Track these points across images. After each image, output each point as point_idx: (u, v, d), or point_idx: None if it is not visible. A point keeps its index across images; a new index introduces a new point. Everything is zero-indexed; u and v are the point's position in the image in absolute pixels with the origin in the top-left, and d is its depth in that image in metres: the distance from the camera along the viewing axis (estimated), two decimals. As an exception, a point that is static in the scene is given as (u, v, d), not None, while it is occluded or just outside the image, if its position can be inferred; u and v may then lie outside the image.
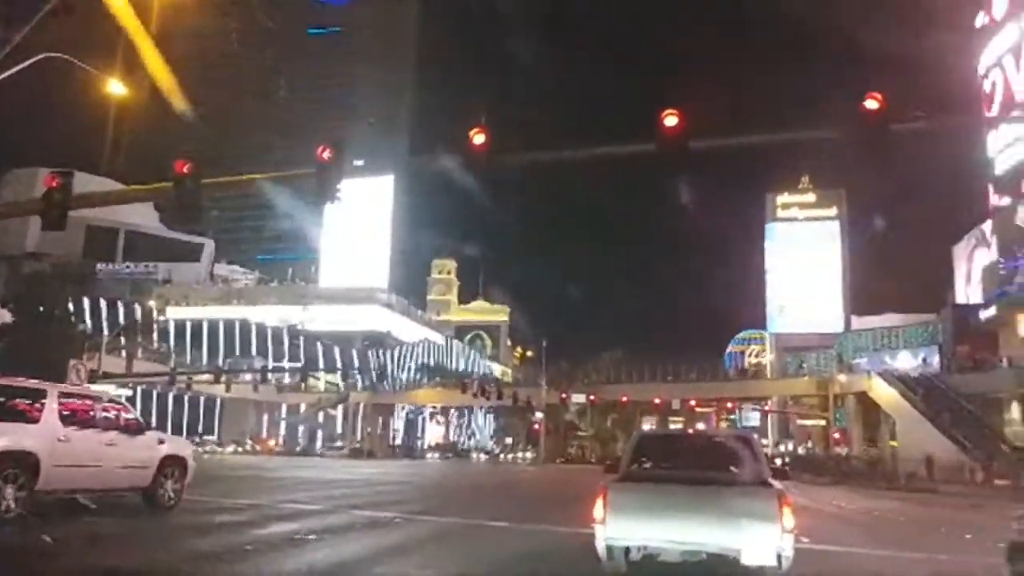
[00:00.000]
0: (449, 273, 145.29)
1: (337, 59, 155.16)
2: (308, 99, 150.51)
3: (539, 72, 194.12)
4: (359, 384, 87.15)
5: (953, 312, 64.03)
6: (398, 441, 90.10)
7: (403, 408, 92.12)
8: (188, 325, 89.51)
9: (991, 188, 56.91)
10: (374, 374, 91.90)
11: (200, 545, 9.61)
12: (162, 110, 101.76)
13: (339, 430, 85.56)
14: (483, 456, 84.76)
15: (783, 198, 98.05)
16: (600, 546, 7.46)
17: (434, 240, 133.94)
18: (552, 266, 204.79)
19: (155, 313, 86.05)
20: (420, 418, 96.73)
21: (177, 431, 45.64)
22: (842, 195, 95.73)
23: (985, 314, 57.02)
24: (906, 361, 63.20)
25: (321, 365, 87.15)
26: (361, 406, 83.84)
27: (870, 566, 10.45)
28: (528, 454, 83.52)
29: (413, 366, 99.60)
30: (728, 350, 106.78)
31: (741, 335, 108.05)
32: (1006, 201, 54.04)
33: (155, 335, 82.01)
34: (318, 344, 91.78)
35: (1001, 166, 54.57)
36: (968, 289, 64.77)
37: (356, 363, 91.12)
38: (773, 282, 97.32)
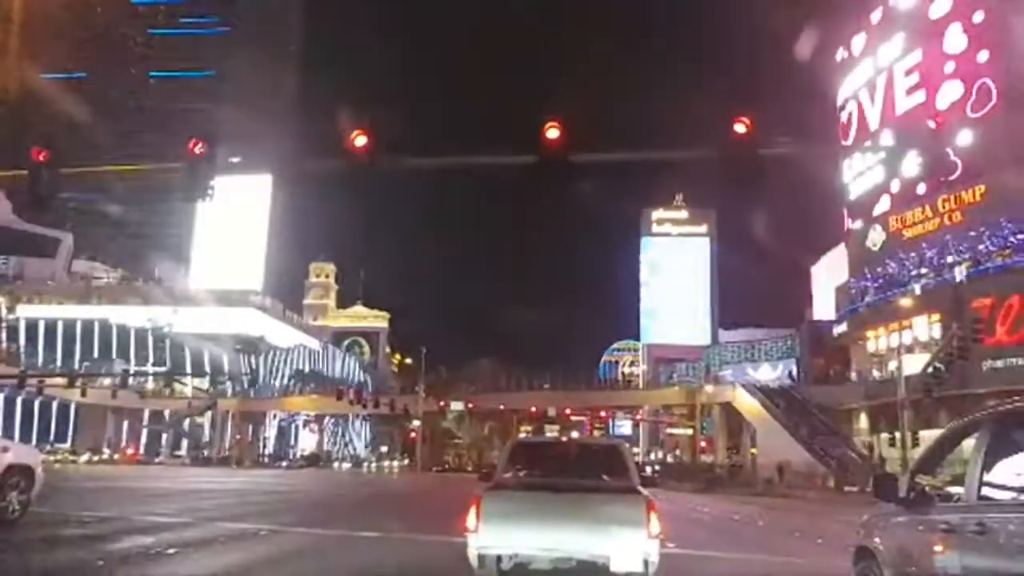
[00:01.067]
0: (328, 277, 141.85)
1: (218, 57, 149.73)
2: (186, 94, 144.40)
3: (426, 76, 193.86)
4: (229, 390, 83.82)
5: (809, 328, 68.16)
6: (269, 450, 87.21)
7: (275, 416, 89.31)
8: (41, 324, 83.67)
9: (846, 212, 60.81)
10: (245, 380, 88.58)
11: (45, 561, 8.87)
12: (26, 97, 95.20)
13: (206, 438, 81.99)
14: (357, 465, 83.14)
15: (658, 213, 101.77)
16: (472, 555, 7.43)
17: (313, 243, 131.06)
18: (434, 273, 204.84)
19: (3, 311, 79.98)
20: (293, 426, 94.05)
21: (26, 438, 42.47)
22: (712, 214, 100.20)
23: (838, 330, 60.87)
24: (767, 373, 66.68)
25: (188, 370, 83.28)
26: (230, 413, 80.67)
27: (730, 569, 10.81)
28: (404, 462, 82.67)
29: (287, 372, 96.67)
30: (603, 360, 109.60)
31: (615, 346, 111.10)
32: (859, 224, 57.86)
33: (3, 334, 76.19)
34: (186, 347, 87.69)
35: (855, 192, 58.46)
36: (824, 306, 68.94)
37: (226, 368, 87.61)
38: (646, 295, 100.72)
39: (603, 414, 79.33)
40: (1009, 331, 41.06)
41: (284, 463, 77.64)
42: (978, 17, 46.19)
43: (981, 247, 45.34)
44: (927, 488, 5.25)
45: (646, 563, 7.22)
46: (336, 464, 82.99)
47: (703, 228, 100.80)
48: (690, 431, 64.68)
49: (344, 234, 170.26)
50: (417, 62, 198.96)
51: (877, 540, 5.56)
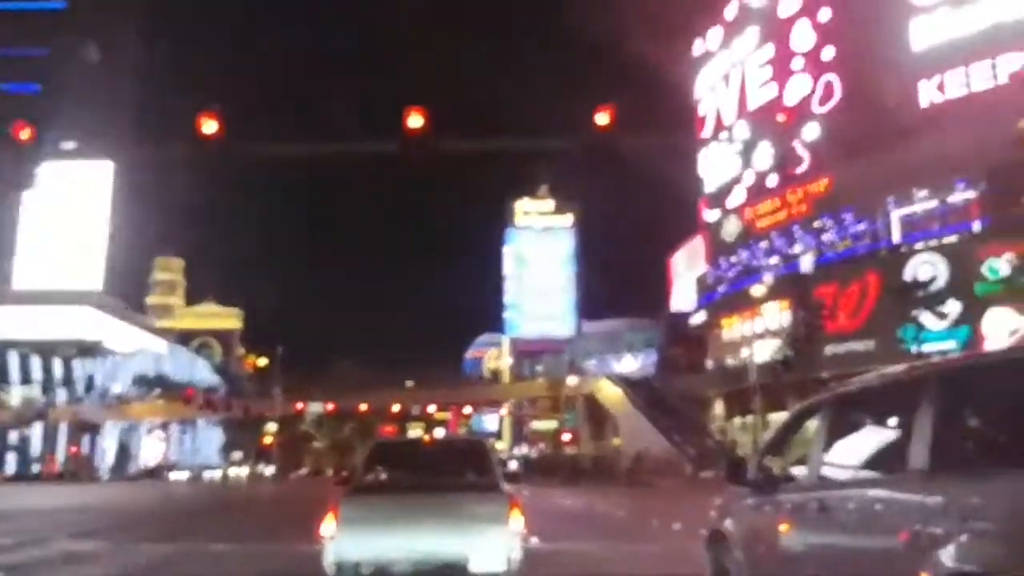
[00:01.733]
0: (175, 273, 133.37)
1: (51, 32, 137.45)
2: (12, 73, 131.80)
3: (286, 61, 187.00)
4: (61, 398, 77.18)
5: (668, 318, 70.08)
6: (109, 461, 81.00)
7: (115, 425, 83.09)
8: None
9: (703, 203, 62.69)
10: (81, 387, 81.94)
11: None
12: None
13: (36, 451, 75.16)
14: (208, 473, 78.41)
15: (523, 205, 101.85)
16: (328, 564, 7.16)
17: (161, 237, 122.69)
18: (291, 269, 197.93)
19: None
20: (136, 435, 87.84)
21: None
22: (577, 205, 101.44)
23: (695, 319, 62.79)
24: (630, 364, 67.88)
25: (16, 377, 76.25)
26: (64, 424, 74.30)
27: (591, 559, 10.99)
28: (260, 468, 78.64)
29: (129, 377, 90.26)
30: (467, 355, 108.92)
31: (480, 340, 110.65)
32: (715, 216, 59.76)
33: None
34: (12, 353, 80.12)
35: (711, 184, 60.29)
36: (683, 296, 70.98)
37: (60, 374, 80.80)
38: (511, 287, 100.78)
39: (468, 410, 78.72)
40: (850, 316, 43.20)
41: (127, 475, 72.30)
42: (824, 14, 48.39)
43: (825, 237, 47.61)
44: (774, 470, 5.42)
45: (508, 561, 7.19)
46: (184, 474, 77.97)
47: (568, 219, 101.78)
48: (554, 424, 65.01)
49: (194, 227, 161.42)
50: (277, 47, 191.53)
51: (728, 523, 5.67)
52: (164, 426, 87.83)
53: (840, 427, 4.70)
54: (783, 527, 4.86)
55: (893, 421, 4.43)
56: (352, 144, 14.38)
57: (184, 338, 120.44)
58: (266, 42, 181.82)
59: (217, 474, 75.91)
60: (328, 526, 7.18)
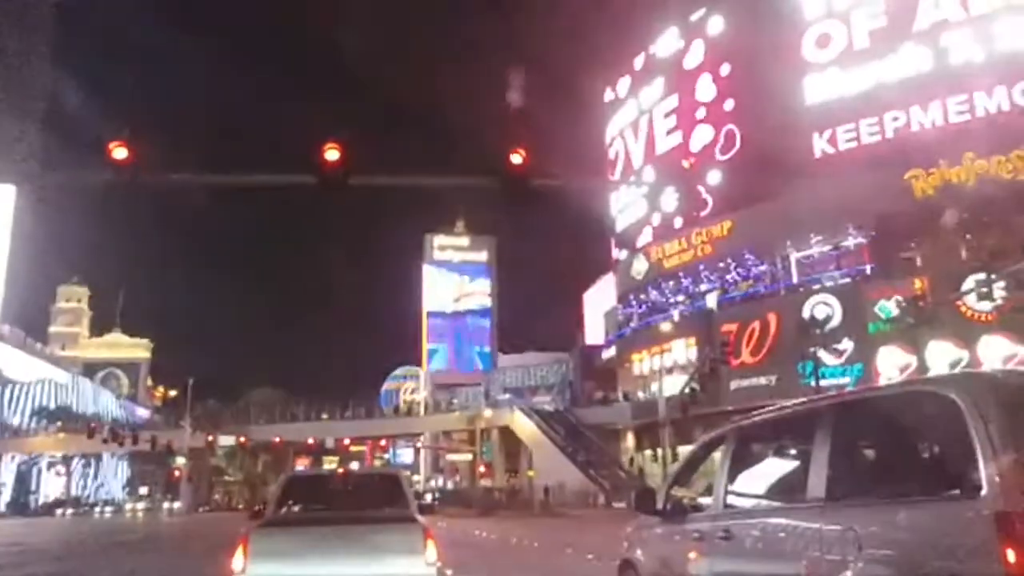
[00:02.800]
0: (80, 302, 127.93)
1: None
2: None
3: (204, 91, 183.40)
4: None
5: (581, 352, 71.84)
6: (6, 497, 77.03)
7: (13, 458, 79.17)
8: None
9: (613, 243, 64.88)
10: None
11: None
12: None
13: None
14: (113, 509, 75.53)
15: (440, 240, 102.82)
16: None
17: (66, 264, 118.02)
18: (203, 299, 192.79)
19: None
20: (35, 469, 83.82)
21: None
22: (492, 241, 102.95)
23: (607, 354, 64.60)
24: (544, 396, 69.01)
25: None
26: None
27: None
28: (168, 503, 76.12)
29: (29, 409, 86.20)
30: (384, 388, 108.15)
31: (397, 372, 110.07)
32: (624, 255, 61.94)
33: None
34: None
35: (621, 224, 62.58)
36: (595, 331, 72.87)
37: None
38: (428, 320, 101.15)
39: (384, 443, 78.40)
40: (753, 353, 45.42)
41: (25, 511, 68.90)
42: (725, 69, 51.33)
43: (728, 277, 50.11)
44: (682, 500, 5.58)
45: None
46: (88, 509, 74.83)
47: (483, 255, 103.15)
48: (470, 456, 65.37)
49: (101, 256, 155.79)
50: (195, 77, 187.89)
51: (639, 552, 5.82)
52: (66, 460, 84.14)
53: (744, 458, 4.93)
54: (691, 555, 4.99)
55: (793, 452, 4.65)
56: (268, 176, 14.25)
57: (89, 369, 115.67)
58: (182, 72, 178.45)
59: (131, 507, 73.15)
60: (238, 559, 7.05)
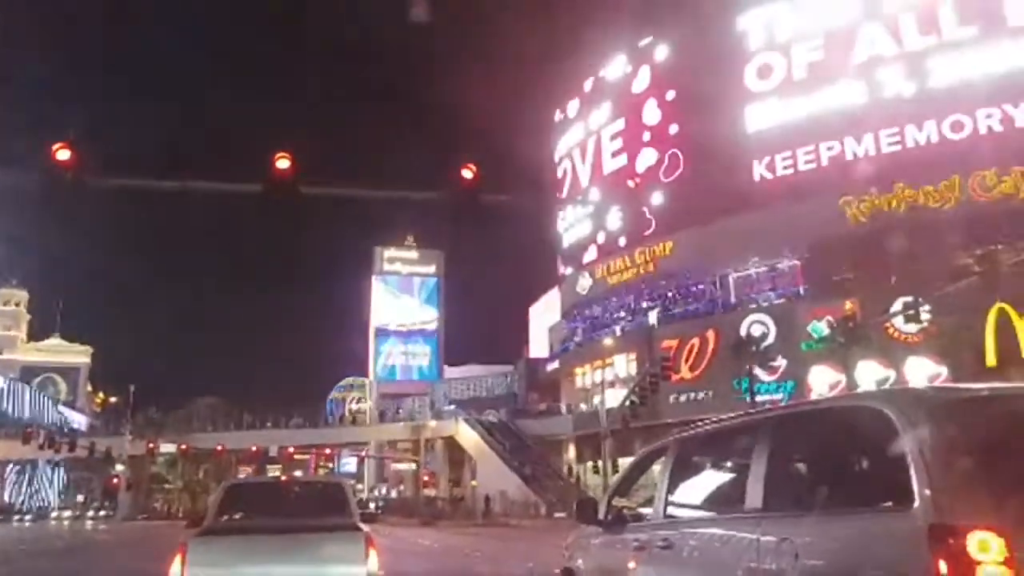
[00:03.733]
0: (18, 305, 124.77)
1: None
2: None
3: (152, 94, 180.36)
4: None
5: (526, 364, 72.77)
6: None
7: (-58, 464, 76.90)
8: None
9: (560, 259, 66.00)
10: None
11: None
12: None
13: None
14: (45, 517, 73.63)
15: (389, 252, 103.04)
16: None
17: (3, 266, 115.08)
18: (146, 305, 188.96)
19: None
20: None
21: None
22: (441, 255, 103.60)
23: (551, 367, 65.57)
24: (487, 407, 69.61)
25: None
26: None
27: None
28: (105, 512, 74.58)
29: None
30: (330, 397, 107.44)
31: (343, 382, 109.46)
32: (570, 271, 63.06)
33: None
34: None
35: (567, 241, 63.67)
36: (540, 344, 73.88)
37: None
38: (375, 331, 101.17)
39: (328, 452, 77.87)
40: (691, 368, 46.70)
41: None
42: (670, 95, 52.80)
43: (669, 295, 51.53)
44: (622, 510, 5.64)
45: None
46: (19, 517, 72.83)
47: (432, 268, 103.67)
48: (414, 466, 65.61)
49: (40, 259, 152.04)
50: (141, 80, 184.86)
51: (580, 561, 5.92)
52: (1, 466, 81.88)
53: (684, 469, 4.98)
54: (631, 564, 5.02)
55: (732, 464, 4.70)
56: (215, 183, 14.17)
57: (27, 373, 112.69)
58: (130, 75, 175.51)
59: (67, 515, 71.13)
60: (175, 568, 6.89)
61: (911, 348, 38.62)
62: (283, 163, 11.42)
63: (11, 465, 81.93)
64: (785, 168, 47.12)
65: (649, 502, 5.25)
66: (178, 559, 6.94)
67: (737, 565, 3.88)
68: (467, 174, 12.05)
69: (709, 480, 5.01)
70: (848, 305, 40.08)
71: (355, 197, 15.98)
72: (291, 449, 64.15)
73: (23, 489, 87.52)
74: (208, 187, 13.88)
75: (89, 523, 62.02)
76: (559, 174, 64.18)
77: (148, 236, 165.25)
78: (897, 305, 34.99)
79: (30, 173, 11.54)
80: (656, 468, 5.33)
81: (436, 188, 13.09)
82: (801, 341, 42.35)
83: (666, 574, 4.63)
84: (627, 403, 42.52)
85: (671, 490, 4.94)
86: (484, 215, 12.94)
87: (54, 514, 74.06)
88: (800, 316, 43.26)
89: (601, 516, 5.73)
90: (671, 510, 4.86)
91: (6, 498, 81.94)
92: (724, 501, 4.52)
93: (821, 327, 41.62)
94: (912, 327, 36.00)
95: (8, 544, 29.52)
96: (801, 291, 45.60)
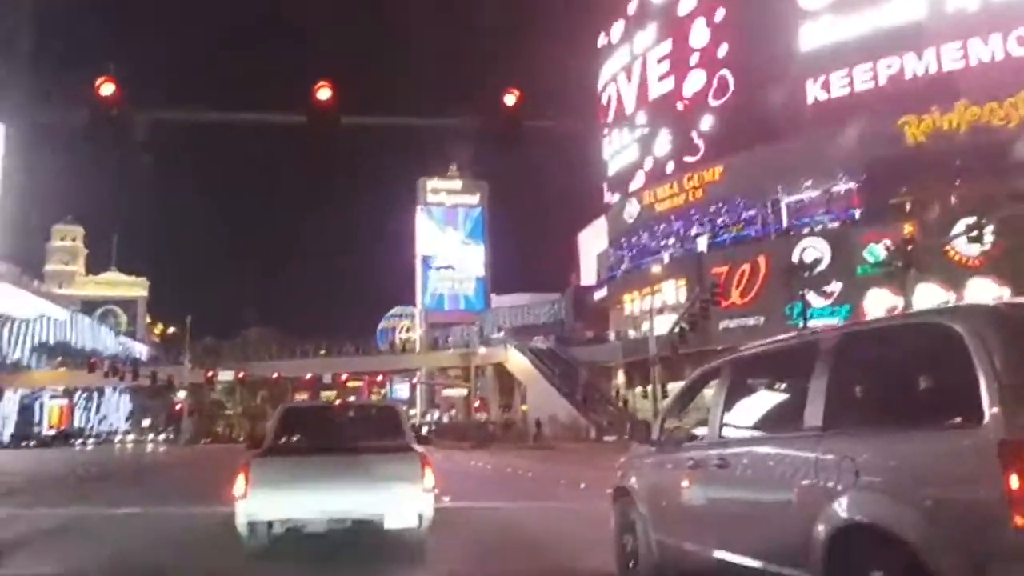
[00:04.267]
0: (75, 240, 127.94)
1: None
2: None
3: (190, 24, 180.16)
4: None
5: (574, 292, 72.86)
6: (10, 429, 78.69)
7: (15, 392, 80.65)
8: None
9: (606, 187, 65.25)
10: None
11: None
12: None
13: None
14: (114, 440, 77.08)
15: (433, 183, 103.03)
16: (241, 523, 7.23)
17: (59, 202, 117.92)
18: (201, 236, 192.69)
19: None
20: (38, 403, 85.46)
21: None
22: (485, 185, 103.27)
23: (599, 294, 65.59)
24: (536, 335, 70.18)
25: None
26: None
27: (504, 516, 11.30)
28: (169, 436, 77.77)
29: (28, 345, 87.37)
30: (380, 326, 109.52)
31: (393, 312, 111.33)
32: (617, 198, 62.39)
33: None
34: None
35: (613, 168, 62.87)
36: (588, 272, 73.76)
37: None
38: (423, 261, 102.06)
39: (380, 379, 79.75)
40: (742, 294, 46.32)
41: (29, 442, 70.35)
42: (719, 14, 50.97)
43: (719, 221, 50.74)
44: (675, 430, 5.70)
45: (420, 518, 7.40)
46: (90, 440, 76.45)
47: (476, 198, 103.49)
48: (465, 391, 66.76)
49: (95, 193, 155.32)
50: (185, 12, 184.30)
51: (633, 480, 5.94)
52: (69, 394, 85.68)
53: (740, 389, 4.94)
54: (685, 482, 5.08)
55: (789, 383, 4.65)
56: (259, 114, 13.47)
57: (87, 307, 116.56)
58: (172, 7, 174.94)
59: (132, 440, 74.41)
60: (239, 486, 7.16)
61: (973, 271, 37.66)
62: (324, 93, 11.24)
63: (79, 392, 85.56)
64: (841, 88, 45.56)
65: (701, 423, 5.26)
66: (241, 478, 7.22)
67: (794, 483, 3.90)
68: (510, 100, 11.70)
69: (765, 400, 4.97)
70: (907, 228, 38.95)
71: (397, 126, 15.78)
72: (344, 376, 65.73)
73: (92, 415, 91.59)
74: (251, 119, 13.90)
75: (149, 446, 64.26)
76: (603, 100, 62.98)
77: (200, 170, 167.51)
78: (959, 227, 34.01)
79: (76, 109, 11.50)
80: (711, 388, 5.31)
81: (478, 115, 12.77)
82: (857, 265, 41.50)
83: (722, 492, 4.65)
84: (676, 329, 42.42)
85: (726, 409, 4.90)
86: (527, 141, 12.62)
87: (117, 438, 77.24)
88: (856, 240, 42.31)
89: (655, 436, 5.79)
90: (727, 430, 4.84)
91: (76, 424, 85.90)
92: (781, 420, 4.47)
93: (878, 251, 40.54)
94: (974, 249, 35.03)
95: (65, 467, 29.36)
96: (857, 214, 44.48)
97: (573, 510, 12.05)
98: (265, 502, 7.24)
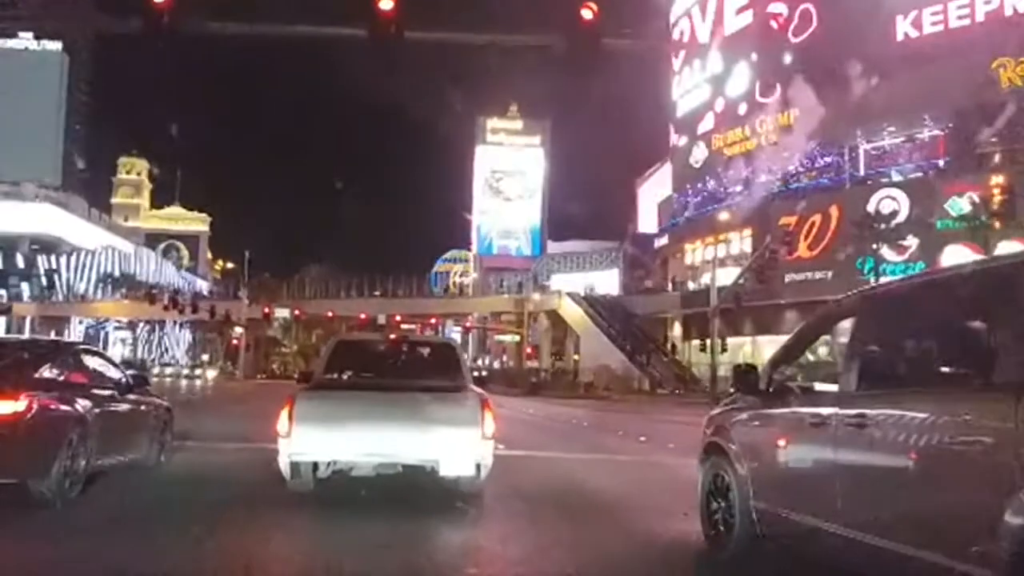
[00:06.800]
0: (139, 174, 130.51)
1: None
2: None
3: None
4: (25, 294, 76.49)
5: (633, 240, 71.21)
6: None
7: (81, 322, 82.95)
8: None
9: (672, 129, 62.88)
10: (43, 282, 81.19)
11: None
12: None
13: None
14: (174, 371, 78.47)
15: (493, 123, 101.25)
16: (283, 463, 6.61)
17: (123, 135, 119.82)
18: (260, 173, 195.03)
19: None
20: (103, 333, 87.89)
21: None
22: (547, 125, 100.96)
23: (659, 243, 63.88)
24: (592, 283, 68.99)
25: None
26: (28, 319, 73.96)
27: (562, 469, 10.37)
28: (228, 370, 78.97)
29: (94, 276, 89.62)
30: (434, 269, 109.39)
31: (447, 255, 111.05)
32: (684, 141, 60.10)
33: None
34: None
35: (682, 109, 60.47)
36: (648, 220, 71.88)
37: (21, 269, 79.91)
38: (479, 204, 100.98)
39: (433, 321, 79.66)
40: (810, 247, 44.29)
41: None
42: (803, -56, 47.92)
43: (791, 168, 48.33)
44: (787, 381, 4.87)
45: (479, 467, 6.70)
46: (151, 371, 78.12)
47: (536, 139, 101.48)
48: (517, 338, 66.24)
49: (158, 127, 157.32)
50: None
51: (729, 437, 5.14)
52: (131, 326, 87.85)
53: (886, 331, 4.10)
54: (803, 444, 4.34)
55: (966, 325, 3.64)
56: (316, 27, 12.91)
57: (150, 240, 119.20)
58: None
59: (192, 372, 75.35)
60: (283, 423, 6.53)
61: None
62: (387, 3, 10.63)
63: (142, 325, 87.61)
64: (934, 24, 42.59)
65: (813, 373, 4.66)
66: (285, 413, 6.55)
67: (971, 453, 3.03)
68: (587, 14, 10.89)
69: (926, 346, 3.91)
70: (995, 180, 36.44)
71: (463, 43, 14.62)
72: (398, 318, 65.53)
73: (154, 348, 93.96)
74: (307, 31, 13.38)
75: (198, 382, 64.15)
76: (675, 35, 60.15)
77: (260, 110, 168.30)
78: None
79: (128, 18, 11.38)
80: (840, 331, 4.52)
81: (551, 32, 11.88)
82: (937, 219, 39.19)
83: (857, 457, 3.78)
84: (741, 281, 40.89)
85: (867, 357, 4.01)
86: (603, 62, 11.94)
87: (206, 371, 77.42)
88: (938, 191, 39.99)
89: (762, 387, 4.88)
90: (866, 382, 3.91)
91: (139, 355, 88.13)
92: (953, 373, 3.57)
93: (961, 204, 38.26)
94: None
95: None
96: (941, 164, 41.81)
97: (636, 463, 11.40)
98: (309, 441, 6.57)
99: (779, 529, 4.52)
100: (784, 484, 4.52)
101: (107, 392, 7.45)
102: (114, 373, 8.04)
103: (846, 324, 4.37)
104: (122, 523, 6.00)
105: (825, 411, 4.10)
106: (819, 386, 4.63)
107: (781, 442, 4.56)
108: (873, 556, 3.57)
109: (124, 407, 7.78)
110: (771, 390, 4.86)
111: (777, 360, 5.06)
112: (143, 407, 8.36)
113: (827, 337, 5.22)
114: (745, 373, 5.14)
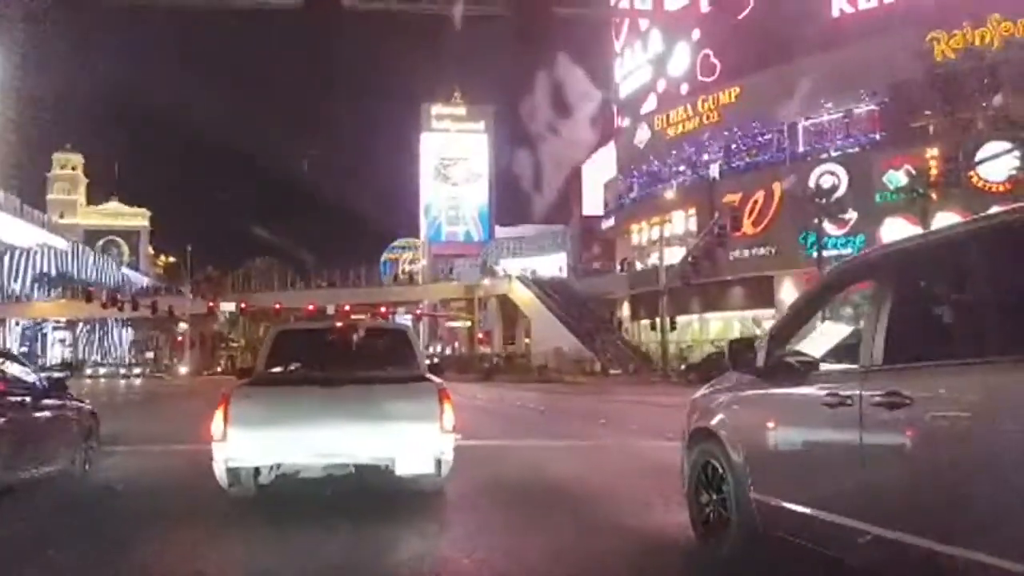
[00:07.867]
0: (75, 169, 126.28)
1: None
2: None
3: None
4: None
5: (580, 222, 71.43)
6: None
7: (17, 323, 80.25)
8: None
9: (616, 110, 63.05)
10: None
11: None
12: None
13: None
14: (115, 372, 76.47)
15: (437, 109, 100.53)
16: (219, 470, 5.97)
17: (58, 131, 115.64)
18: (200, 166, 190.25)
19: None
20: (40, 334, 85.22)
21: None
22: (490, 110, 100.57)
23: (605, 224, 64.14)
24: (541, 267, 69.16)
25: None
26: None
27: (523, 458, 9.72)
28: (174, 367, 77.34)
29: (30, 275, 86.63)
30: (383, 258, 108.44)
31: (396, 243, 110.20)
32: (627, 123, 60.31)
33: None
34: None
35: (625, 91, 60.63)
36: (593, 202, 72.09)
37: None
38: (426, 192, 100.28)
39: (384, 310, 79.07)
40: (754, 224, 44.85)
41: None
42: (739, -78, 48.10)
43: (733, 146, 48.83)
44: (787, 357, 4.17)
45: (439, 463, 6.17)
46: (90, 372, 75.86)
47: (481, 125, 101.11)
48: (469, 324, 66.08)
49: (93, 121, 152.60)
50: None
51: (721, 420, 4.59)
52: (71, 325, 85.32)
53: (917, 295, 3.59)
54: (816, 427, 3.80)
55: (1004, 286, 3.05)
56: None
57: (89, 237, 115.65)
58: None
59: (134, 371, 73.47)
60: (217, 425, 5.92)
61: (998, 198, 35.90)
62: None
63: (82, 325, 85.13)
64: (868, 1, 43.02)
65: (818, 348, 4.08)
66: (219, 414, 5.95)
67: None
68: None
69: (968, 310, 3.29)
70: (930, 153, 37.27)
71: (407, 12, 14.23)
72: (347, 307, 64.78)
73: (95, 348, 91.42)
74: (241, 3, 13.40)
75: (137, 381, 62.05)
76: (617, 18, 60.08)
77: (199, 100, 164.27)
78: (984, 152, 32.35)
79: None
80: (857, 299, 4.11)
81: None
82: (876, 192, 39.97)
83: (890, 440, 3.22)
84: (688, 259, 41.27)
85: (892, 325, 3.38)
86: (554, 30, 11.55)
87: (143, 370, 75.05)
88: (876, 165, 40.83)
89: (760, 364, 4.27)
90: (896, 355, 3.32)
91: (80, 355, 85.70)
92: (1007, 342, 2.87)
93: (899, 177, 39.07)
94: (1000, 175, 33.44)
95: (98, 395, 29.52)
96: (878, 138, 42.61)
97: (602, 447, 11.03)
98: (248, 444, 5.95)
99: (784, 525, 3.98)
100: (791, 474, 3.99)
101: (16, 399, 6.81)
102: (27, 377, 7.49)
103: (858, 289, 3.96)
104: (22, 550, 5.16)
105: (845, 390, 3.52)
106: (829, 363, 4.02)
107: (787, 426, 4.08)
108: (899, 555, 3.10)
109: (39, 415, 7.12)
110: (770, 367, 4.24)
111: (778, 334, 4.46)
112: (63, 413, 7.72)
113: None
114: (741, 349, 4.64)
